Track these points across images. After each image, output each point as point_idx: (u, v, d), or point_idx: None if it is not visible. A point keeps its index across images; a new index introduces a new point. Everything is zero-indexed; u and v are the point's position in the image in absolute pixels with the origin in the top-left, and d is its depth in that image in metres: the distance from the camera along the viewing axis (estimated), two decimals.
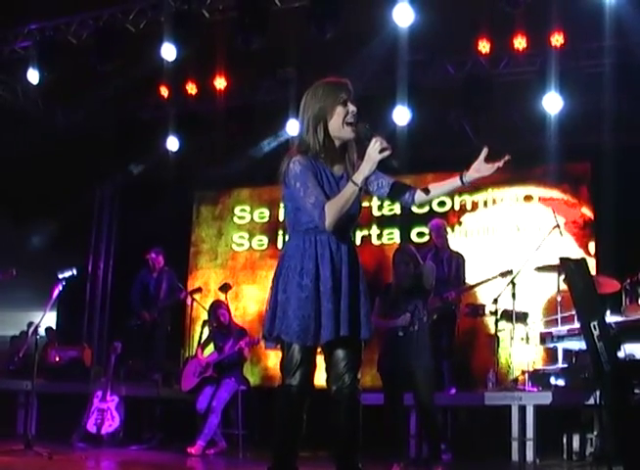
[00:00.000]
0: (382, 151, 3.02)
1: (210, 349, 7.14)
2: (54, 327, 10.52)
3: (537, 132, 8.40)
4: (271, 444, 3.20)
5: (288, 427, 3.15)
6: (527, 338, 7.19)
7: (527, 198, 9.15)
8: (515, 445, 6.22)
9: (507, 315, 7.06)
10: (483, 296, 8.13)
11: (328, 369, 3.21)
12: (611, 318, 5.54)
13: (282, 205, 3.62)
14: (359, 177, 3.06)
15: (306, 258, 3.14)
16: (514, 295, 6.94)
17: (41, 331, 8.75)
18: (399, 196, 3.34)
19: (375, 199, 8.96)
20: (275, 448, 3.17)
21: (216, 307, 7.24)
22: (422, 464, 6.27)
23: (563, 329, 6.15)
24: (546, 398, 6.32)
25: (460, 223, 9.39)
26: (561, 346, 6.36)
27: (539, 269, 6.82)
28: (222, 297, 7.77)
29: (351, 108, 3.20)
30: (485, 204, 9.33)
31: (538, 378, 6.77)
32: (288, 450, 3.16)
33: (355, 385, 3.16)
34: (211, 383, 6.90)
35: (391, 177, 3.33)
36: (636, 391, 4.61)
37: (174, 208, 9.99)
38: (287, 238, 3.33)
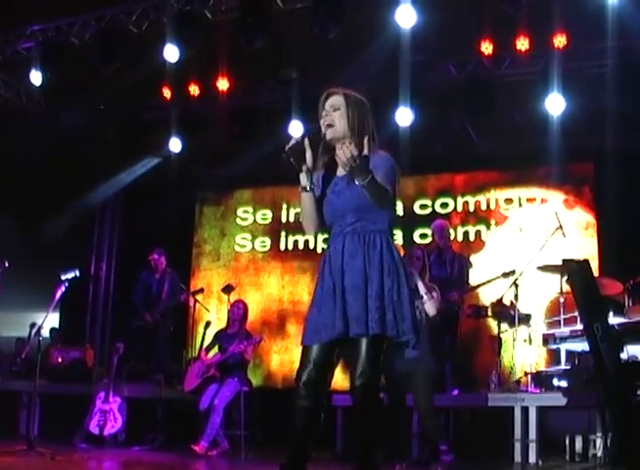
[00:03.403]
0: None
1: (215, 351, 7.16)
2: (56, 328, 10.52)
3: (540, 133, 8.38)
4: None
5: (297, 427, 3.19)
6: (530, 339, 7.18)
7: (530, 199, 9.13)
8: (517, 446, 6.22)
9: (510, 317, 7.06)
10: (486, 297, 8.12)
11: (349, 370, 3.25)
12: (613, 320, 5.54)
13: None
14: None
15: (321, 263, 3.30)
16: (517, 296, 6.94)
17: (45, 332, 8.81)
18: None
19: None
20: (289, 448, 3.22)
21: (236, 301, 7.36)
22: (423, 465, 6.28)
23: (565, 330, 6.16)
24: (549, 399, 6.31)
25: (463, 224, 9.37)
26: (563, 347, 6.36)
27: (542, 269, 6.82)
28: (225, 298, 7.77)
29: (321, 119, 3.31)
30: (488, 205, 9.31)
31: (541, 379, 6.77)
32: (297, 450, 3.20)
33: (369, 386, 3.14)
34: (214, 382, 6.91)
35: None
36: (639, 392, 4.60)
37: (177, 209, 9.98)
38: None
